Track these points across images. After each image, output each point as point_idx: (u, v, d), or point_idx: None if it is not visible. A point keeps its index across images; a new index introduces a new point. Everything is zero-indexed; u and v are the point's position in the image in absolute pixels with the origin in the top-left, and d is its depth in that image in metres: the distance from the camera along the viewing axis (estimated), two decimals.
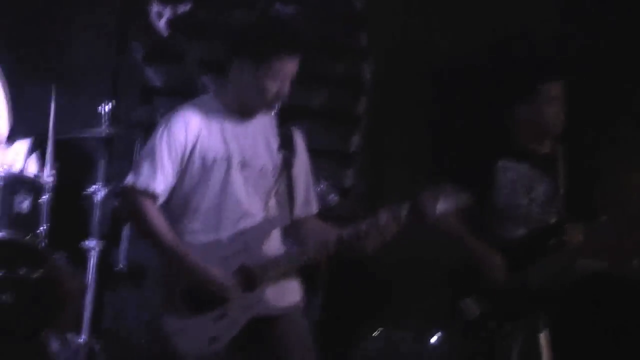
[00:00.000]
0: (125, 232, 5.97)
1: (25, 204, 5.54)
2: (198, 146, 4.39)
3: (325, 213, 4.88)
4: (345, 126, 6.94)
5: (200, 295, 4.31)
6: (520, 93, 5.35)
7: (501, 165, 5.26)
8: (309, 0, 6.78)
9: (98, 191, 5.83)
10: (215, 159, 4.39)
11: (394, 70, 6.78)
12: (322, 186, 4.99)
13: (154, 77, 6.90)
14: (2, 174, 5.52)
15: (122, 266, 5.90)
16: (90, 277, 5.70)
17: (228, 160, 4.42)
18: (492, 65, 6.44)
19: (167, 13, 6.65)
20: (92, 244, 5.74)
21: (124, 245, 5.94)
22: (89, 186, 5.89)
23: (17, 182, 5.61)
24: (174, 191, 4.41)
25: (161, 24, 6.68)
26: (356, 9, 6.91)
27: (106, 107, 5.86)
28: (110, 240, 5.97)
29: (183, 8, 6.62)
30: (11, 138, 6.10)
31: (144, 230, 4.39)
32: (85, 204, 5.96)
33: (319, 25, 6.77)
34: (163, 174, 4.35)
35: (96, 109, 5.89)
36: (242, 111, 4.49)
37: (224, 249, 4.39)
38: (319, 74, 6.72)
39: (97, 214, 5.80)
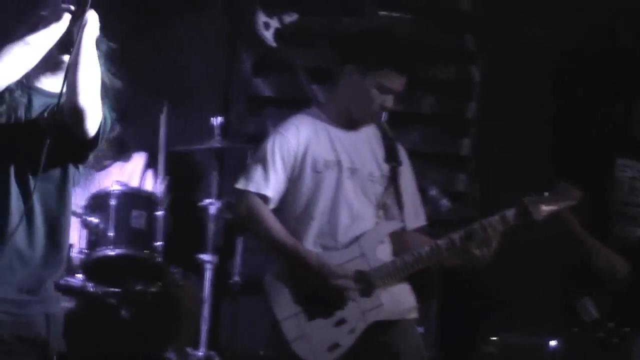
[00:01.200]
0: (239, 244, 5.99)
1: (142, 220, 5.59)
2: (309, 152, 4.47)
3: (437, 218, 4.87)
4: (456, 130, 6.89)
5: (320, 299, 4.32)
6: (637, 88, 5.25)
7: (619, 163, 5.16)
8: (414, 5, 6.75)
9: (211, 204, 5.84)
10: (327, 164, 4.46)
11: (502, 72, 6.70)
12: (433, 191, 4.94)
13: (263, 88, 6.95)
14: (120, 190, 5.57)
15: (237, 279, 5.92)
16: (206, 290, 5.73)
17: (338, 165, 4.44)
18: (606, 61, 6.33)
19: (274, 23, 6.66)
20: (207, 258, 5.77)
21: (238, 257, 5.97)
22: (203, 199, 5.91)
23: (134, 198, 5.67)
24: (287, 197, 4.47)
25: (269, 34, 6.70)
26: (463, 12, 6.85)
27: (217, 120, 5.88)
28: (225, 253, 6.00)
29: (290, 18, 6.63)
30: (127, 153, 6.19)
31: (261, 232, 4.44)
32: (199, 217, 5.99)
33: (425, 30, 6.73)
34: (275, 178, 4.43)
35: (208, 122, 5.92)
36: (348, 121, 4.54)
37: (340, 255, 4.41)
38: (428, 79, 6.68)
39: (211, 227, 5.81)
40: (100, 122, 3.41)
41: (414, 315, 4.57)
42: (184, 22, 6.77)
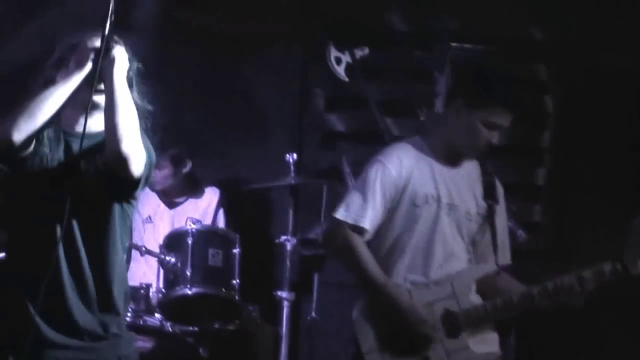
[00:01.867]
0: (316, 280, 5.99)
1: (218, 258, 5.61)
2: (410, 185, 4.40)
3: (513, 250, 4.81)
4: (531, 160, 6.83)
5: (405, 337, 4.28)
6: None
7: None
8: (486, 36, 6.72)
9: (287, 241, 5.84)
10: (426, 198, 4.39)
11: (578, 100, 6.64)
12: (509, 223, 4.88)
13: (336, 122, 6.96)
14: (196, 229, 5.60)
15: (314, 315, 5.91)
16: (283, 327, 5.73)
17: (438, 200, 4.40)
18: None
19: (346, 58, 6.67)
20: (284, 294, 5.77)
21: (315, 294, 5.96)
22: (278, 236, 5.92)
23: (210, 236, 5.70)
24: (382, 229, 4.41)
25: (340, 69, 6.72)
26: (534, 41, 6.81)
27: (292, 156, 5.89)
28: (301, 290, 6.00)
29: (361, 52, 6.63)
30: (200, 190, 6.24)
31: (354, 265, 4.37)
32: (275, 254, 6.01)
33: (497, 60, 6.70)
34: (373, 210, 4.37)
35: (282, 159, 5.94)
36: (451, 155, 4.48)
37: (430, 293, 4.36)
38: None
39: (287, 264, 5.82)
40: (145, 160, 3.40)
41: None
42: (257, 58, 6.82)
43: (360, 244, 4.35)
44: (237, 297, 5.57)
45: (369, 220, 4.36)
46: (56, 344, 3.38)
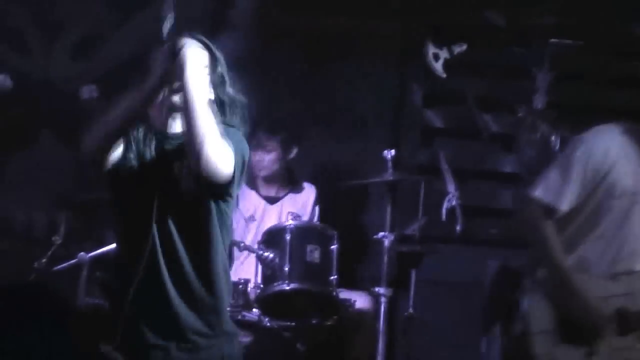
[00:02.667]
0: (413, 276, 5.99)
1: (316, 253, 5.64)
2: (611, 174, 4.25)
3: None
4: None
5: (578, 326, 4.21)
6: None
7: None
8: (586, 31, 6.64)
9: (385, 237, 5.84)
10: (624, 191, 4.26)
11: None
12: None
13: (434, 119, 6.95)
14: (294, 225, 5.64)
15: (411, 311, 5.91)
16: (381, 323, 5.74)
17: (635, 196, 4.28)
18: None
19: (444, 54, 6.68)
20: (382, 290, 5.77)
21: (411, 291, 5.96)
22: (376, 232, 5.93)
23: (308, 232, 5.72)
24: (571, 212, 4.29)
25: (438, 65, 6.72)
26: (637, 36, 6.71)
27: (390, 153, 5.89)
28: (399, 286, 6.01)
29: (459, 48, 6.63)
30: (299, 185, 6.28)
31: (539, 246, 4.30)
32: (373, 250, 6.02)
33: (599, 56, 6.64)
34: (572, 192, 4.24)
35: (380, 155, 5.94)
36: None
37: (606, 287, 4.26)
38: (604, 106, 6.55)
39: (385, 260, 5.82)
40: (234, 158, 3.40)
41: None
42: (355, 55, 6.84)
43: (549, 226, 4.21)
44: (334, 293, 5.58)
45: (567, 202, 4.24)
46: (161, 346, 3.44)
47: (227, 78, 3.53)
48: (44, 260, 5.67)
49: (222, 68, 3.52)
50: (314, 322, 5.61)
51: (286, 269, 5.51)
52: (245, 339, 5.45)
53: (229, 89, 3.53)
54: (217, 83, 3.49)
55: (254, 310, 5.57)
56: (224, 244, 3.54)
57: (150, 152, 3.47)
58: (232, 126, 3.50)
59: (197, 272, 3.45)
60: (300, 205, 6.22)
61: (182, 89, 3.34)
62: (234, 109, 3.52)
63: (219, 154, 3.31)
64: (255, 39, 6.49)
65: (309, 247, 5.62)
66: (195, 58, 3.38)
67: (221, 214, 3.50)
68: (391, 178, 5.88)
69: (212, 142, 3.28)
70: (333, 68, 6.82)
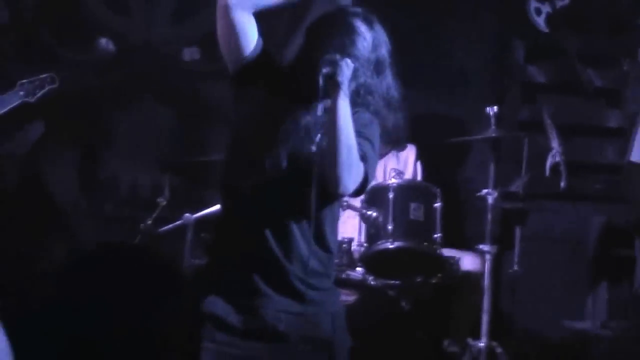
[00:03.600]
0: (518, 233, 5.93)
1: (419, 212, 5.61)
2: None
3: None
4: None
5: None
6: None
7: None
8: None
9: (489, 194, 5.78)
10: None
11: None
12: None
13: (537, 74, 6.86)
14: (397, 183, 5.61)
15: (516, 268, 5.86)
16: (486, 280, 5.69)
17: None
18: None
19: (546, 8, 6.57)
20: (487, 248, 5.72)
21: (516, 248, 5.90)
22: (480, 189, 5.87)
23: (412, 190, 5.69)
24: None
25: (540, 20, 6.62)
26: None
27: (492, 109, 5.82)
28: (503, 244, 5.95)
29: (561, 2, 6.51)
30: (402, 143, 6.24)
31: None
32: (477, 207, 5.97)
33: None
34: None
35: (482, 112, 5.87)
36: None
37: None
38: None
39: (489, 217, 5.77)
40: (361, 175, 3.38)
41: None
42: (456, 11, 6.77)
43: None
44: (439, 251, 5.55)
45: None
46: (272, 297, 3.44)
47: (385, 65, 3.51)
48: (149, 222, 5.74)
49: (379, 52, 3.49)
50: (418, 280, 5.59)
51: (390, 227, 5.49)
52: (350, 297, 5.47)
53: (383, 77, 3.51)
54: (368, 67, 3.46)
55: (358, 269, 5.58)
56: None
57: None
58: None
59: (311, 227, 3.43)
60: (402, 162, 6.19)
61: (329, 109, 3.33)
62: (383, 98, 3.50)
63: (349, 176, 3.31)
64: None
65: (413, 205, 5.60)
66: (348, 70, 3.35)
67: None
68: (494, 135, 5.82)
69: (345, 165, 3.29)
70: (434, 24, 6.76)
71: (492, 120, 5.81)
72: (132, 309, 4.97)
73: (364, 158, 3.38)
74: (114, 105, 6.53)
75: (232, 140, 3.53)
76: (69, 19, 6.60)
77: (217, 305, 3.44)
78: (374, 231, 5.57)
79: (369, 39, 3.46)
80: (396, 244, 5.50)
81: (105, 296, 4.96)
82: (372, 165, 3.46)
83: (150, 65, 6.70)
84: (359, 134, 3.38)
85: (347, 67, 3.34)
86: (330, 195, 3.41)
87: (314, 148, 3.36)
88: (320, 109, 3.34)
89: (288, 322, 3.44)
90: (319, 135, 3.35)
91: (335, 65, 3.32)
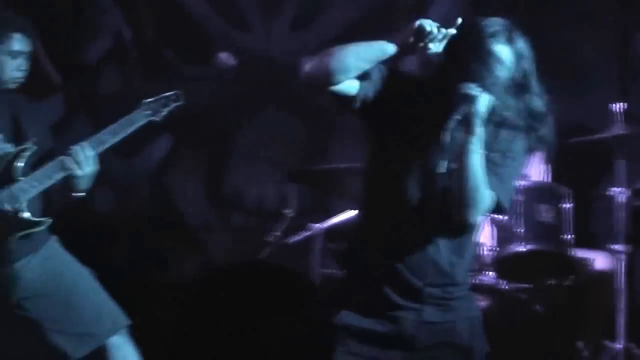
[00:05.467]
0: None
1: (549, 213, 5.55)
2: None
3: None
4: None
5: None
6: None
7: None
8: None
9: (620, 193, 5.67)
10: None
11: None
12: None
13: None
14: (525, 185, 5.55)
15: None
16: (621, 280, 5.59)
17: None
18: None
19: None
20: (620, 247, 5.61)
21: None
22: (609, 188, 5.76)
23: (540, 191, 5.64)
24: None
25: None
26: None
27: (618, 106, 5.71)
28: (637, 243, 5.82)
29: None
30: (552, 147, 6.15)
31: None
32: (608, 206, 5.86)
33: None
34: None
35: (606, 108, 5.77)
36: None
37: None
38: None
39: (622, 216, 5.65)
40: (490, 205, 3.35)
41: None
42: (577, 7, 6.67)
43: None
44: (571, 252, 5.48)
45: None
46: (413, 307, 3.43)
47: (527, 79, 3.39)
48: (277, 233, 5.77)
49: (522, 68, 3.38)
50: (551, 283, 5.53)
51: (521, 230, 5.44)
52: (482, 302, 5.42)
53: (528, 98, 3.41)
54: (509, 89, 3.35)
55: (490, 273, 5.54)
56: None
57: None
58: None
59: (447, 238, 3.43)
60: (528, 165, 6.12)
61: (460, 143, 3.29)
62: (527, 114, 3.41)
63: (476, 215, 3.31)
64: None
65: (543, 207, 5.54)
66: (485, 104, 3.29)
67: None
68: (621, 132, 5.70)
69: (473, 208, 3.28)
70: (552, 16, 6.66)
71: (619, 117, 5.70)
72: (263, 321, 5.00)
73: (494, 187, 3.34)
74: (238, 118, 6.60)
75: (369, 161, 3.53)
76: (190, 36, 6.69)
77: (353, 316, 3.45)
78: (504, 235, 5.52)
79: (510, 60, 3.33)
80: (528, 246, 5.46)
81: (235, 310, 5.00)
82: (506, 191, 3.40)
83: (272, 77, 6.75)
84: (493, 162, 3.35)
85: (483, 102, 3.27)
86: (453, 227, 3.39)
87: (443, 173, 3.33)
88: (449, 135, 3.28)
89: (426, 331, 3.43)
90: (447, 162, 3.32)
91: (471, 100, 3.25)
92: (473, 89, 3.26)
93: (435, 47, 3.38)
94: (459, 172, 3.28)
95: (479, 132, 3.27)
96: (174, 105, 4.61)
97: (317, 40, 6.75)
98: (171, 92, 4.61)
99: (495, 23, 3.37)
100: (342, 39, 6.43)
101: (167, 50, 6.74)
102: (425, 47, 3.37)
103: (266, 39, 6.77)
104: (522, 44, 3.39)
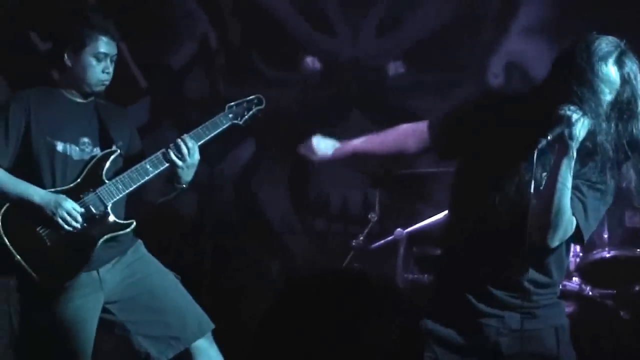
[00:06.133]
0: None
1: (635, 219, 5.50)
2: None
3: None
4: None
5: None
6: None
7: None
8: None
9: None
10: None
11: None
12: None
13: None
14: None
15: None
16: None
17: None
18: None
19: None
20: None
21: None
22: None
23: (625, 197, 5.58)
24: None
25: None
26: None
27: None
28: None
29: None
30: None
31: None
32: None
33: None
34: None
35: None
36: None
37: None
38: None
39: None
40: (572, 231, 3.32)
41: None
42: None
43: None
44: None
45: None
46: (497, 315, 3.44)
47: (632, 104, 3.25)
48: (361, 238, 5.77)
49: (628, 92, 3.24)
50: (637, 289, 5.46)
51: (605, 235, 5.40)
52: (567, 308, 5.36)
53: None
54: (611, 115, 3.25)
55: (575, 279, 5.49)
56: None
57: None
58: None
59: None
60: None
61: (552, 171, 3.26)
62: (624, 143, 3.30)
63: (557, 239, 3.29)
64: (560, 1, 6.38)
65: (628, 213, 5.50)
66: (576, 146, 3.21)
67: None
68: None
69: (553, 231, 3.26)
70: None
71: None
72: (348, 327, 4.99)
73: (578, 216, 3.30)
74: (322, 122, 6.60)
75: (460, 171, 3.54)
76: (275, 41, 6.73)
77: (439, 323, 3.46)
78: (589, 240, 5.44)
79: (618, 83, 3.22)
80: (612, 252, 5.43)
81: (319, 316, 5.01)
82: (588, 222, 3.36)
83: (357, 81, 6.75)
84: (580, 190, 3.31)
85: (582, 127, 3.17)
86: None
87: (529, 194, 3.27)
88: (539, 154, 3.21)
89: (510, 340, 3.43)
90: (532, 184, 3.25)
91: (570, 123, 3.16)
92: (574, 112, 3.16)
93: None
94: (545, 193, 3.23)
95: (571, 155, 3.19)
96: (256, 108, 4.66)
97: (402, 45, 6.74)
98: (254, 96, 4.66)
99: (607, 43, 3.23)
100: (427, 45, 6.48)
101: (253, 54, 6.78)
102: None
103: (351, 44, 6.77)
104: (632, 66, 3.24)
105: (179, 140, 4.35)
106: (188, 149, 4.33)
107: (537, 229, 3.24)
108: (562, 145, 3.19)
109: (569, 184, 3.21)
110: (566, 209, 3.23)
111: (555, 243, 3.29)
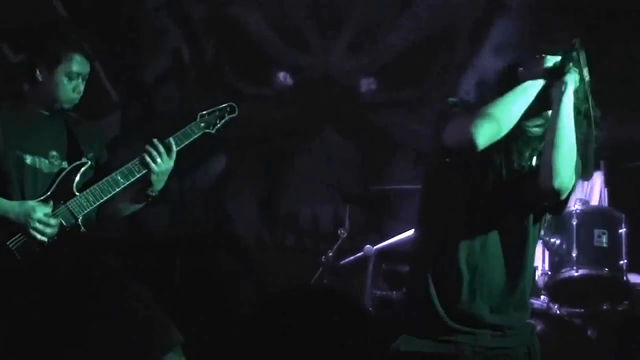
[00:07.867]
0: None
1: (604, 238, 5.50)
2: None
3: None
4: None
5: None
6: None
7: None
8: None
9: None
10: None
11: None
12: None
13: None
14: (580, 209, 5.52)
15: None
16: None
17: None
18: None
19: None
20: None
21: None
22: None
23: (595, 216, 5.59)
24: None
25: None
26: None
27: None
28: None
29: None
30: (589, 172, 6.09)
31: None
32: None
33: None
34: None
35: None
36: None
37: None
38: None
39: None
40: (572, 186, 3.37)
41: None
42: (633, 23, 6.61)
43: None
44: (625, 278, 5.42)
45: None
46: (473, 332, 3.45)
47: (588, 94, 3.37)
48: (330, 254, 5.77)
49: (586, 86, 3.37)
50: (604, 308, 5.48)
51: (574, 254, 5.41)
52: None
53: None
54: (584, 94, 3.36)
55: (542, 297, 5.50)
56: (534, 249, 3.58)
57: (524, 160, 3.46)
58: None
59: (510, 278, 3.47)
60: (587, 191, 6.07)
61: (552, 117, 3.31)
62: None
63: (567, 189, 3.32)
64: (532, 19, 6.41)
65: (597, 232, 5.50)
66: (573, 84, 3.30)
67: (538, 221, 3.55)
68: None
69: (566, 178, 3.29)
70: (615, 43, 6.60)
71: None
72: (316, 344, 5.00)
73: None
74: (294, 138, 6.62)
75: (429, 185, 3.56)
76: (248, 56, 6.73)
77: (411, 340, 3.46)
78: (557, 259, 5.49)
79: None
80: (581, 271, 5.42)
81: (287, 332, 5.01)
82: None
83: (328, 97, 6.77)
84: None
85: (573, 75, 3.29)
86: (539, 209, 3.42)
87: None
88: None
89: (483, 357, 3.44)
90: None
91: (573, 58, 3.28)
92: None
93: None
94: (554, 132, 3.27)
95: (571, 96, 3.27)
96: (229, 117, 4.61)
97: (375, 61, 6.76)
98: (226, 104, 4.62)
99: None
100: (399, 62, 6.51)
101: (226, 69, 6.78)
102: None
103: (324, 60, 6.79)
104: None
105: (155, 140, 4.32)
106: (167, 148, 4.30)
107: (551, 172, 3.27)
108: (554, 91, 3.29)
109: (573, 122, 3.28)
110: (574, 146, 3.29)
111: (566, 182, 3.31)
